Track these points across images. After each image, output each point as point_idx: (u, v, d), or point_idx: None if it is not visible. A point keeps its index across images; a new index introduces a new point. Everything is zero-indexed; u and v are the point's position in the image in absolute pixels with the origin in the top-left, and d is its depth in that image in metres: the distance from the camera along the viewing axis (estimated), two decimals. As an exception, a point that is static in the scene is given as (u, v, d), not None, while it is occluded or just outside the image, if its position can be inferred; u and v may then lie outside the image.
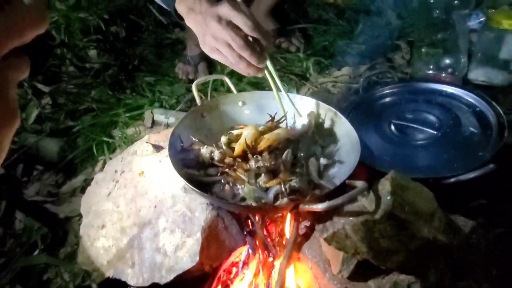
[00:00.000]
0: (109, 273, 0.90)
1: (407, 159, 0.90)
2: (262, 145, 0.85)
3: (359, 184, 0.71)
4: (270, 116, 0.94)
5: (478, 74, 1.41)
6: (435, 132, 0.94)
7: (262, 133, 0.89)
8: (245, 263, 0.87)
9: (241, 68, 0.82)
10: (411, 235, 0.66)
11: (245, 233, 0.88)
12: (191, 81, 1.51)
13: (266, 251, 0.87)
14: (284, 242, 0.87)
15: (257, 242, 0.87)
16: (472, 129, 0.93)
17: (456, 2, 1.37)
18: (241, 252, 0.90)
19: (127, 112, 1.47)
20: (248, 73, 0.83)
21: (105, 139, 1.35)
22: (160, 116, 1.45)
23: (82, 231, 1.01)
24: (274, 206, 0.76)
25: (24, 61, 0.33)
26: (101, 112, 1.48)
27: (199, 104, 1.01)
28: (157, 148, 1.05)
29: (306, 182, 0.81)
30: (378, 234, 0.66)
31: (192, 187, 0.77)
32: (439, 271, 0.72)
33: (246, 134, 0.87)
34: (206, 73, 1.65)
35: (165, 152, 1.02)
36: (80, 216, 1.11)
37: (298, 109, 0.98)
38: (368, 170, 0.86)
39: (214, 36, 0.79)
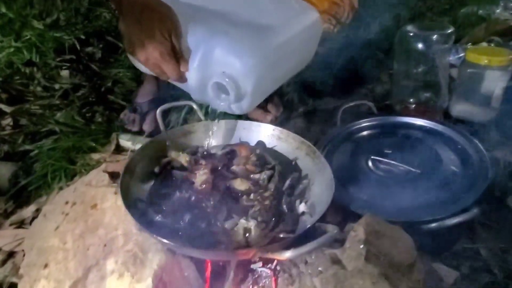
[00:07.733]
0: (45, 323, 0.79)
1: (385, 199, 0.82)
2: None
3: (330, 228, 0.64)
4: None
5: (459, 109, 1.39)
6: (415, 170, 0.88)
7: None
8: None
9: None
10: (386, 291, 0.57)
11: (205, 281, 0.78)
12: (138, 133, 1.35)
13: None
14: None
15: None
16: (453, 167, 0.87)
17: (435, 36, 1.35)
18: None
19: (92, 136, 1.38)
20: None
21: (64, 164, 1.24)
22: (126, 142, 1.36)
23: (23, 270, 0.89)
24: (232, 251, 0.67)
25: None
26: (64, 135, 1.37)
27: (162, 132, 0.93)
28: (114, 177, 0.96)
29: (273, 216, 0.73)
30: (349, 290, 0.57)
31: (141, 225, 0.69)
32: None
33: None
34: (153, 127, 1.36)
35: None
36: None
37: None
38: (342, 210, 0.78)
39: None
